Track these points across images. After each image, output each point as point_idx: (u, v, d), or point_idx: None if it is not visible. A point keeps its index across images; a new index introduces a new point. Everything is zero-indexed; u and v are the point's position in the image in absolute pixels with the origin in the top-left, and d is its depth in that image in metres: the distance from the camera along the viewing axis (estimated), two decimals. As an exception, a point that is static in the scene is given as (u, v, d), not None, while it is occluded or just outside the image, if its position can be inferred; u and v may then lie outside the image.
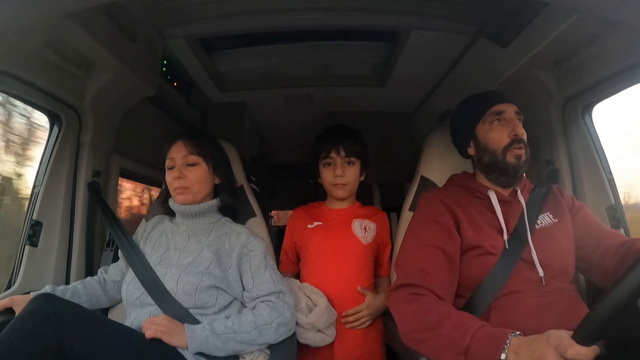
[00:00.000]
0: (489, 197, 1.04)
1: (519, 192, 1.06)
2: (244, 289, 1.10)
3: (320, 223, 1.39)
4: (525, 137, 1.03)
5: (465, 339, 0.73)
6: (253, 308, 1.06)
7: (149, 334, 0.91)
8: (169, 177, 1.14)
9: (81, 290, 1.12)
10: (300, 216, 1.44)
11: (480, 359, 0.71)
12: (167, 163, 1.15)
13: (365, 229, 1.35)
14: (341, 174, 1.32)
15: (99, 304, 1.16)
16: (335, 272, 1.32)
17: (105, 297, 1.16)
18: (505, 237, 0.97)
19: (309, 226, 1.39)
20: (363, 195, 2.49)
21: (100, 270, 1.20)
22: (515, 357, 0.67)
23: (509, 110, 1.04)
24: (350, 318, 1.28)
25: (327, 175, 1.35)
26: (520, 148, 1.01)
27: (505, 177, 1.04)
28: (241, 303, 1.11)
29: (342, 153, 1.32)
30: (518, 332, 0.70)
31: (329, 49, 1.86)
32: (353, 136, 1.35)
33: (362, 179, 1.39)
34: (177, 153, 1.14)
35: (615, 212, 1.20)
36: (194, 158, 1.14)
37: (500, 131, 1.03)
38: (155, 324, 0.93)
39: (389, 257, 1.38)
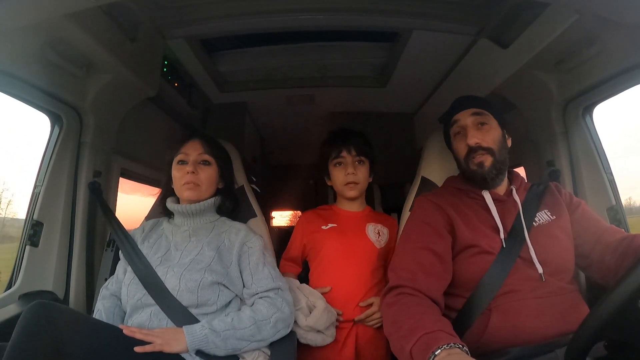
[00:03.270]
0: (483, 197, 1.04)
1: (513, 190, 1.06)
2: (244, 286, 1.10)
3: (334, 225, 1.38)
4: (485, 140, 1.02)
5: (409, 344, 0.74)
6: (252, 305, 1.07)
7: (148, 348, 0.90)
8: (180, 171, 1.14)
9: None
10: (312, 218, 1.43)
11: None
12: (180, 157, 1.16)
13: (379, 233, 1.36)
14: (353, 172, 1.32)
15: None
16: (349, 273, 1.31)
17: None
18: (502, 235, 0.98)
19: (324, 227, 1.38)
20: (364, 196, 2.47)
21: (110, 292, 1.13)
22: None
23: (463, 118, 1.06)
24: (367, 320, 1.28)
25: (339, 175, 1.35)
26: (479, 155, 1.02)
27: (477, 182, 1.05)
28: (241, 300, 1.11)
29: (353, 152, 1.33)
30: (453, 344, 0.69)
31: (329, 50, 1.86)
32: (361, 137, 1.38)
33: (370, 180, 1.40)
34: (193, 150, 1.16)
35: (616, 212, 1.20)
36: (208, 157, 1.17)
37: (460, 142, 1.07)
38: (152, 336, 0.92)
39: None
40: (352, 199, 1.39)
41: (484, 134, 1.03)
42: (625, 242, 0.95)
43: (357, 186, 1.35)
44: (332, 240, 1.35)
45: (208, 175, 1.16)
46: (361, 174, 1.34)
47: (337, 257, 1.34)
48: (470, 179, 1.06)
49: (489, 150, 1.02)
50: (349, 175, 1.33)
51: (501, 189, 1.08)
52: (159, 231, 1.19)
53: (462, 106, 1.08)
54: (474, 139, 1.02)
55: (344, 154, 1.33)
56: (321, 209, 1.47)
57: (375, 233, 1.36)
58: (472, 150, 1.02)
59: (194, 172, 1.13)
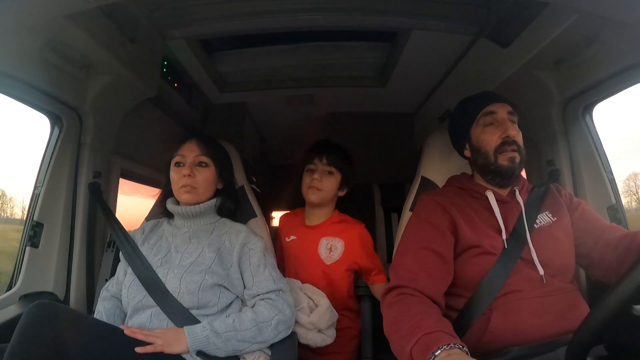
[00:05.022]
0: (487, 198, 1.04)
1: (517, 192, 1.06)
2: (244, 287, 1.10)
3: (294, 237, 1.44)
4: (518, 137, 1.03)
5: (409, 344, 0.74)
6: (253, 306, 1.07)
7: (149, 349, 0.90)
8: (177, 174, 1.13)
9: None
10: (282, 225, 1.52)
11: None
12: (177, 159, 1.15)
13: (330, 248, 1.39)
14: (318, 178, 1.38)
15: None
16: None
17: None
18: (504, 236, 0.97)
19: (287, 239, 1.46)
20: (363, 196, 2.49)
21: (110, 294, 1.13)
22: None
23: (501, 110, 1.05)
24: None
25: (306, 179, 1.41)
26: (513, 150, 1.01)
27: (500, 179, 1.05)
28: (242, 301, 1.11)
29: (324, 161, 1.40)
30: (453, 345, 0.69)
31: (329, 50, 1.86)
32: (338, 150, 1.44)
33: (342, 193, 1.45)
34: (190, 151, 1.14)
35: (616, 212, 1.20)
36: (205, 159, 1.15)
37: (492, 132, 1.04)
38: (153, 337, 0.92)
39: (377, 264, 1.41)
40: (313, 205, 1.43)
41: (516, 132, 1.03)
42: (627, 239, 0.95)
43: (318, 192, 1.38)
44: (290, 253, 1.43)
45: (205, 177, 1.14)
46: (327, 183, 1.39)
47: (295, 270, 1.40)
48: (493, 174, 1.04)
49: (519, 149, 1.02)
50: (313, 180, 1.38)
51: (505, 190, 1.08)
52: (159, 232, 1.18)
53: (497, 99, 1.06)
54: (513, 131, 1.01)
55: (316, 161, 1.40)
56: (294, 214, 1.53)
57: (327, 249, 1.38)
58: (507, 143, 1.01)
59: (190, 175, 1.11)
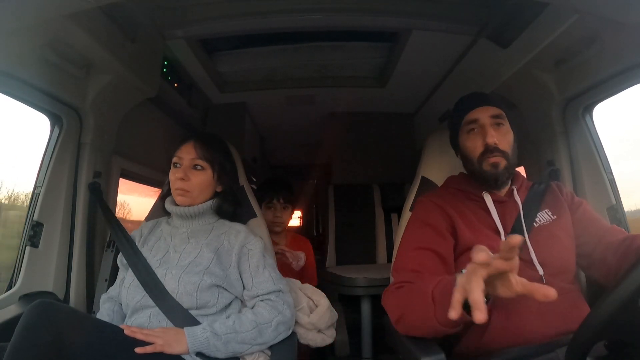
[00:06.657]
0: (484, 199, 1.04)
1: (514, 191, 1.05)
2: (244, 288, 1.10)
3: None
4: (503, 142, 1.01)
5: (429, 288, 0.77)
6: (253, 307, 1.06)
7: (149, 349, 0.90)
8: (173, 175, 1.13)
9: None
10: None
11: (443, 295, 0.73)
12: (174, 160, 1.14)
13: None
14: (279, 215, 1.81)
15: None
16: None
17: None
18: (503, 237, 0.97)
19: None
20: (363, 196, 2.50)
21: (108, 295, 1.14)
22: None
23: (483, 116, 1.03)
24: None
25: (268, 215, 1.79)
26: (495, 156, 1.00)
27: (490, 184, 1.04)
28: (241, 302, 1.11)
29: (281, 200, 1.81)
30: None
31: (329, 50, 1.86)
32: (289, 188, 1.86)
33: (290, 219, 1.89)
34: (186, 154, 1.13)
35: (616, 212, 1.20)
36: (201, 162, 1.13)
37: (475, 140, 1.03)
38: (153, 337, 0.92)
39: (312, 268, 1.80)
40: (276, 233, 1.81)
41: (501, 136, 1.01)
42: (626, 242, 0.95)
43: (281, 224, 1.82)
44: None
45: (200, 181, 1.13)
46: (285, 216, 1.84)
47: None
48: (480, 180, 1.04)
49: (504, 154, 1.00)
50: (276, 217, 1.80)
51: (503, 190, 1.07)
52: (157, 233, 1.18)
53: (480, 103, 1.05)
54: (493, 138, 1.00)
55: (274, 201, 1.81)
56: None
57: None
58: (489, 150, 1.00)
59: (183, 179, 1.10)
